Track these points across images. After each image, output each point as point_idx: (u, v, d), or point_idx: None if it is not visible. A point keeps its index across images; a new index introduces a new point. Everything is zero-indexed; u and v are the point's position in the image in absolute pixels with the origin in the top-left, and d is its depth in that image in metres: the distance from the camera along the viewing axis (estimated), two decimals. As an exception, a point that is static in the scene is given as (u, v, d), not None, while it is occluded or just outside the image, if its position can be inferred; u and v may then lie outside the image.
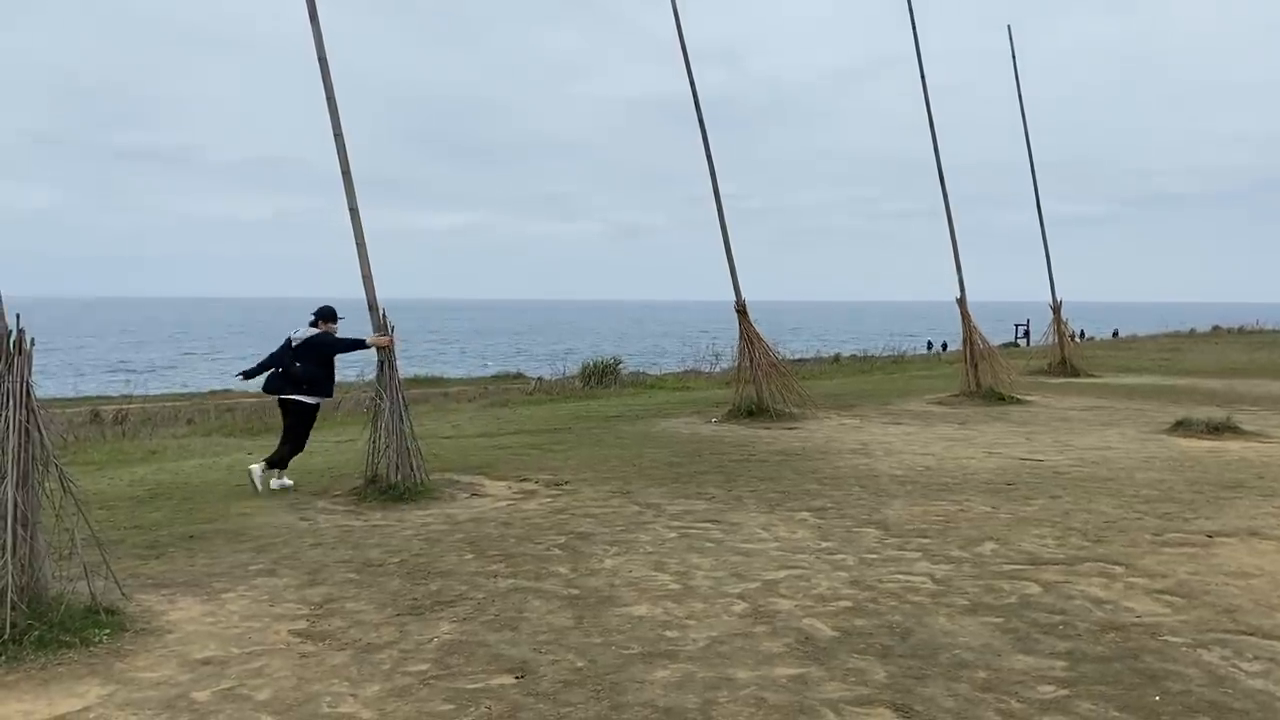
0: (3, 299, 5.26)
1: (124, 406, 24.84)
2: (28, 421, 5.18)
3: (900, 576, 6.17)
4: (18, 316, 5.24)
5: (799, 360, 32.40)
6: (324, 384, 9.44)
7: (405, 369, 9.37)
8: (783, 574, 6.24)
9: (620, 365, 24.81)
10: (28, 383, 5.23)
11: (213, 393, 33.00)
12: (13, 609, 4.87)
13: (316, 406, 9.57)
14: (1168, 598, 5.69)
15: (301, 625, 5.33)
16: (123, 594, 5.59)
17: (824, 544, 7.01)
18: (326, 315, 9.55)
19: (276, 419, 17.23)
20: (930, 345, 48.78)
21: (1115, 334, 49.95)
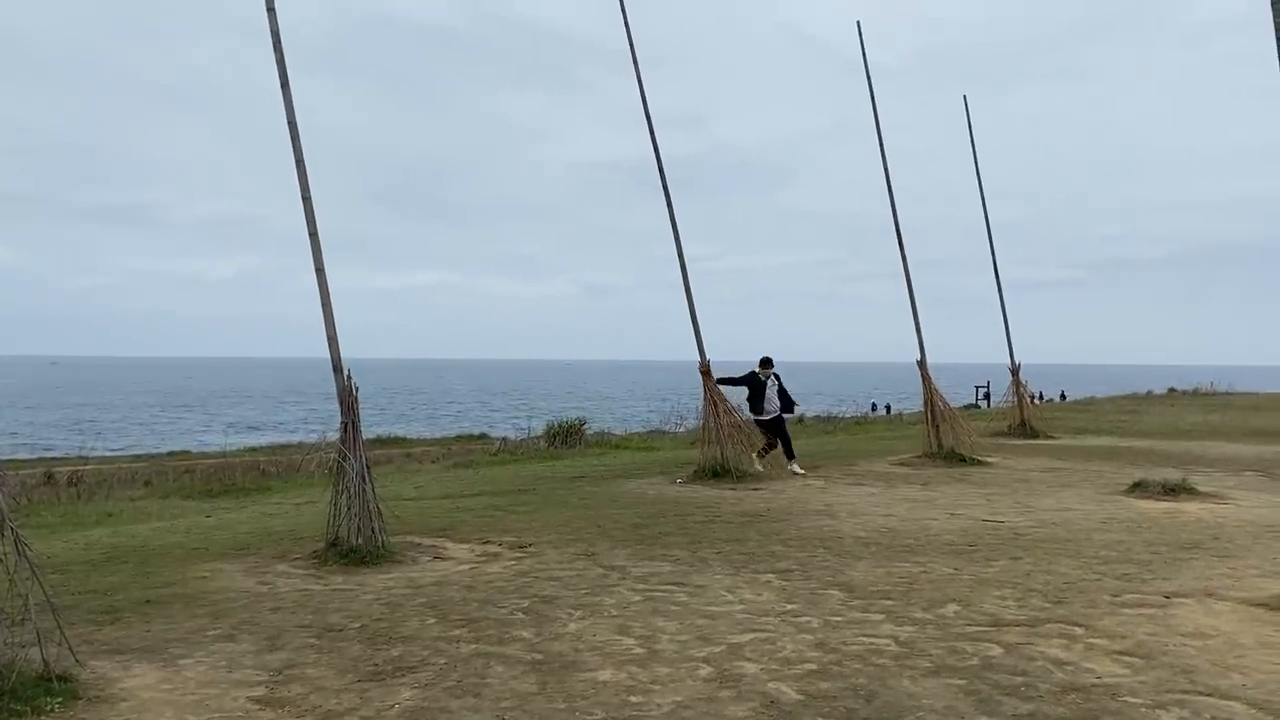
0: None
1: (79, 468, 24.40)
2: (-16, 484, 5.11)
3: (864, 639, 6.19)
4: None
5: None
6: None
7: (367, 429, 9.32)
8: (748, 637, 6.24)
9: (585, 425, 24.81)
10: (-15, 445, 5.18)
11: (171, 454, 32.55)
12: (-38, 677, 4.76)
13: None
14: (1127, 658, 5.75)
15: (260, 692, 5.24)
16: (77, 661, 5.48)
17: (789, 606, 7.02)
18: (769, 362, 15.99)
19: (235, 481, 17.04)
20: (875, 407, 47.96)
21: (1063, 396, 50.52)
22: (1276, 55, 6.89)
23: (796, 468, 15.48)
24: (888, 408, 45.28)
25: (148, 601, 7.23)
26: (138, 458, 31.03)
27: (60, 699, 4.97)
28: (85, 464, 26.25)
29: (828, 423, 32.38)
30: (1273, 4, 6.87)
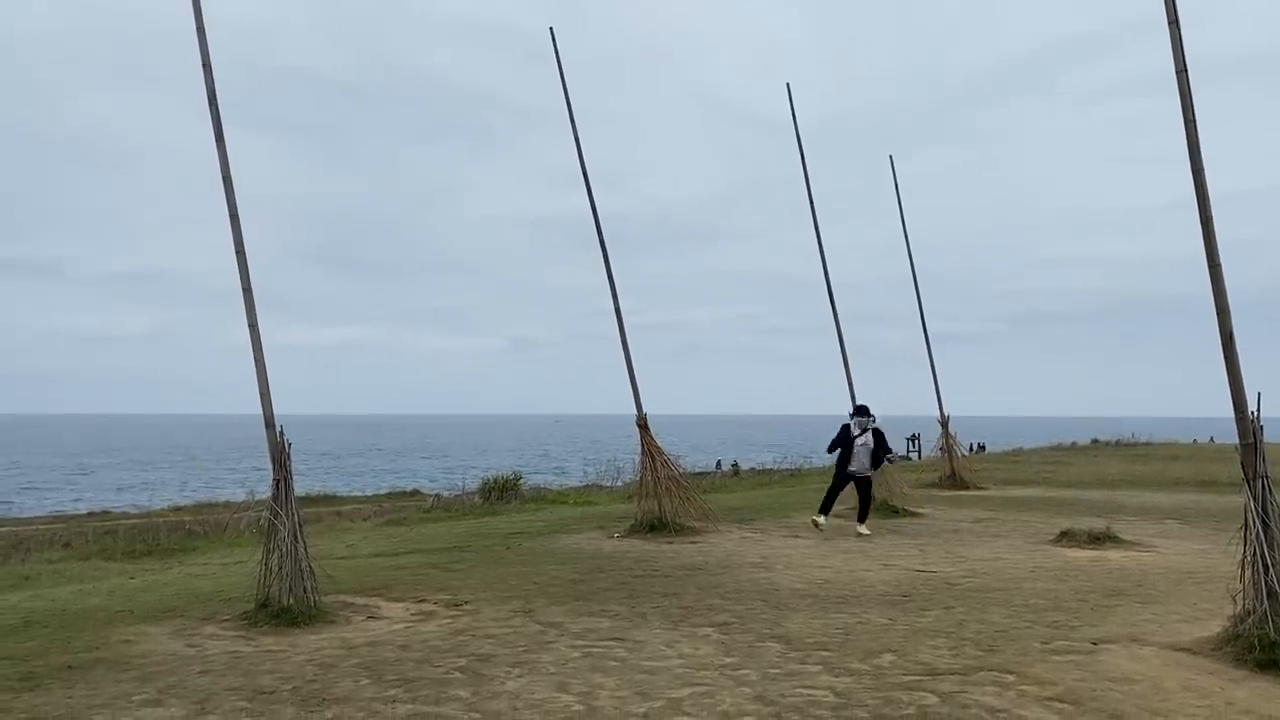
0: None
1: (-8, 529, 23.50)
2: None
3: (803, 690, 6.23)
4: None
5: (700, 474, 32.62)
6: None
7: (297, 487, 9.17)
8: (687, 691, 6.24)
9: (521, 480, 24.61)
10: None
11: (90, 514, 31.50)
12: (-128, 750, 4.56)
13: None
14: (1057, 704, 5.87)
15: (189, 758, 5.09)
16: (-7, 730, 5.28)
17: (727, 659, 7.03)
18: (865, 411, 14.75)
19: (159, 541, 16.56)
20: (719, 464, 43.40)
21: (981, 447, 51.18)
22: (1183, 121, 7.26)
23: (863, 529, 14.44)
24: (734, 465, 42.49)
25: (69, 667, 6.99)
26: (55, 518, 30.00)
27: (-24, 771, 4.78)
28: (1, 525, 25.32)
29: (763, 474, 32.59)
30: (1177, 73, 7.26)
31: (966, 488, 22.98)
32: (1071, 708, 5.80)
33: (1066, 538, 13.26)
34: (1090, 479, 26.11)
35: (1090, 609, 8.73)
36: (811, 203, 19.48)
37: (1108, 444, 46.78)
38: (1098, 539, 12.95)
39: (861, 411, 14.70)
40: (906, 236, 24.53)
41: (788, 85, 19.79)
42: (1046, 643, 7.45)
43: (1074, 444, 46.62)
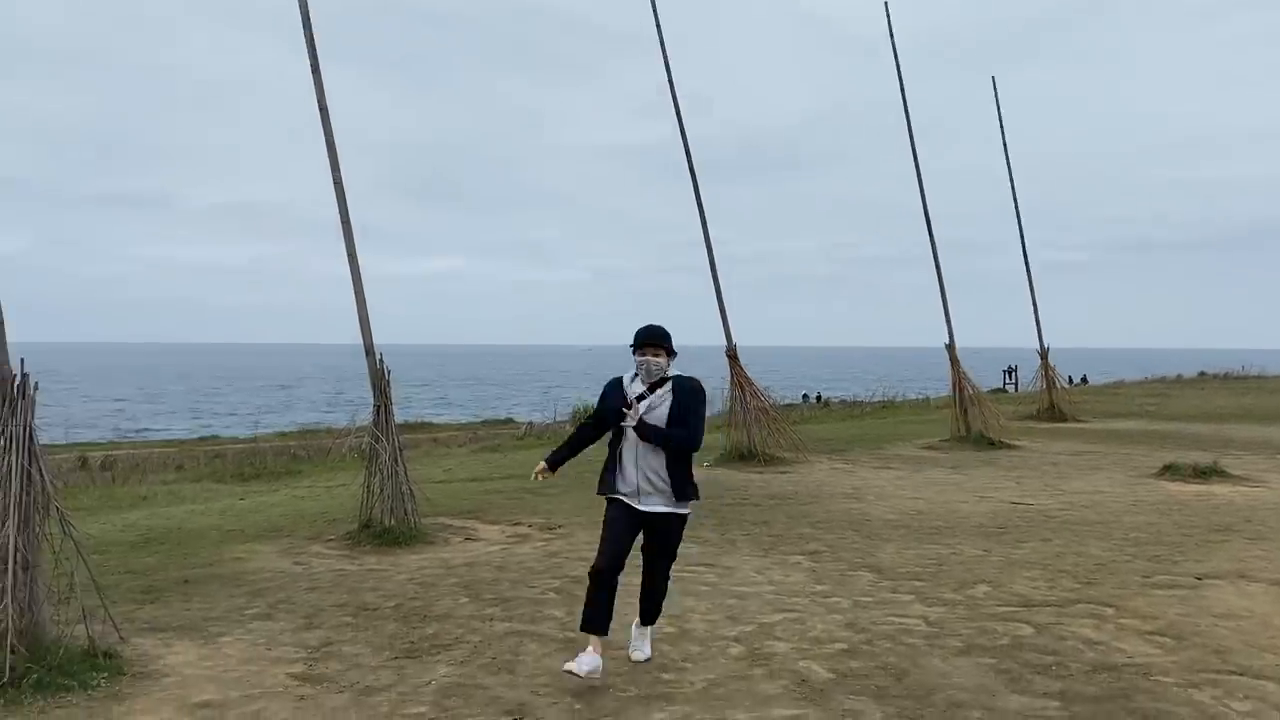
0: (7, 343, 5.32)
1: (111, 452, 24.76)
2: (29, 465, 5.22)
3: (894, 619, 6.22)
4: (21, 361, 5.30)
5: (789, 405, 32.52)
6: None
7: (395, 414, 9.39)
8: (778, 617, 6.28)
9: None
10: (30, 427, 5.27)
11: (201, 439, 32.89)
12: (12, 652, 4.87)
13: None
14: (1159, 639, 5.75)
15: (299, 668, 5.33)
16: (120, 638, 5.59)
17: (818, 587, 7.05)
18: None
19: (266, 465, 17.20)
20: (805, 397, 43.06)
21: (1084, 379, 49.82)
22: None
23: (641, 651, 5.76)
24: (819, 396, 42.31)
25: (186, 581, 7.35)
26: (168, 443, 31.39)
27: (106, 674, 5.09)
28: (118, 448, 26.64)
29: (854, 407, 32.32)
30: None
31: (1065, 420, 22.45)
32: (1173, 642, 5.68)
33: (1170, 471, 12.89)
34: (1196, 412, 25.25)
35: (1195, 544, 8.49)
36: (909, 125, 18.94)
37: (1215, 377, 45.11)
38: (1204, 473, 12.55)
39: (653, 339, 5.46)
40: (1008, 160, 23.73)
41: (885, 1, 19.12)
42: (1147, 577, 7.29)
43: (1179, 377, 45.07)
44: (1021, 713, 4.61)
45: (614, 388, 5.54)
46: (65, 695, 4.83)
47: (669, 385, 5.36)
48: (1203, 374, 47.17)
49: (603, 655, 5.06)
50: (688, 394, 5.33)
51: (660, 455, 5.30)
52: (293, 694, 4.94)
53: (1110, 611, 6.34)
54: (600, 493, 5.54)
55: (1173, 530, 9.12)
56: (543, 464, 5.70)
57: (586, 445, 5.76)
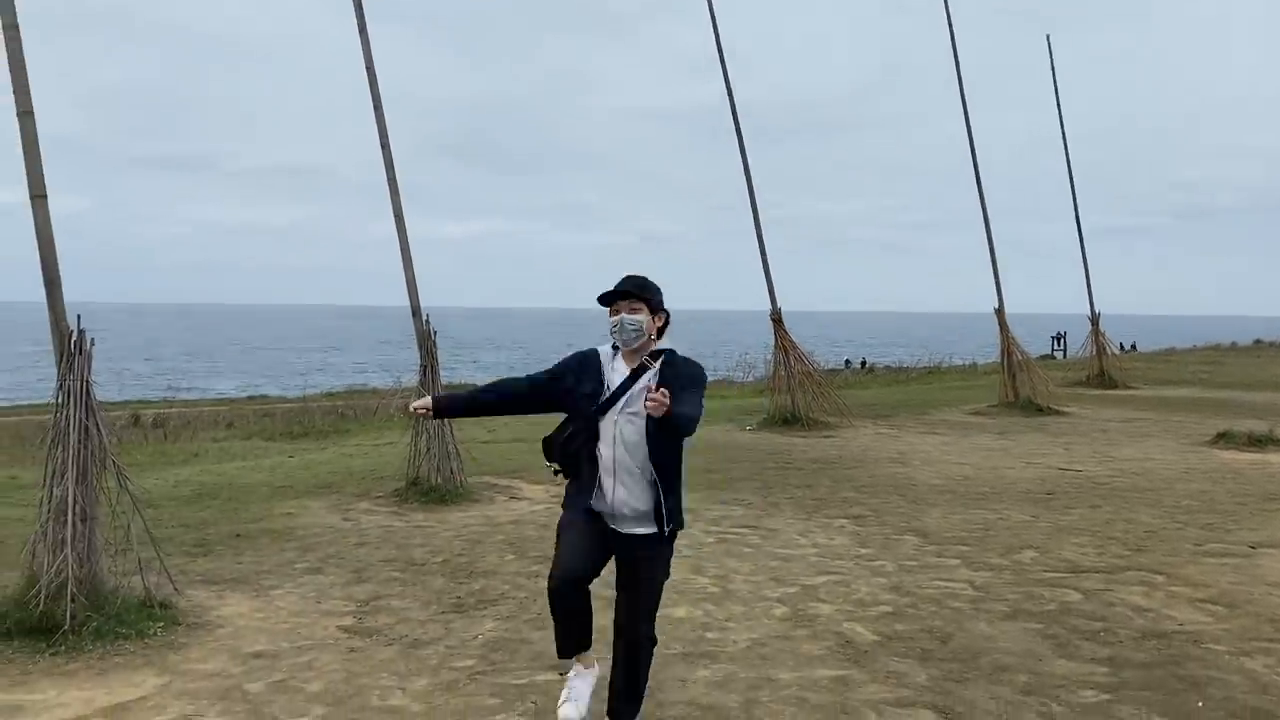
0: (64, 301, 5.42)
1: (164, 410, 25.25)
2: (88, 420, 5.33)
3: (940, 583, 6.19)
4: (78, 318, 5.40)
5: (832, 370, 32.32)
6: None
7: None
8: (821, 579, 6.28)
9: (653, 373, 24.80)
10: (88, 382, 5.38)
11: (250, 398, 33.43)
12: (72, 600, 5.01)
13: None
14: (1210, 607, 5.67)
15: (349, 621, 5.43)
16: (175, 589, 5.73)
17: (862, 550, 7.03)
18: None
19: (314, 423, 17.46)
20: (848, 363, 43.51)
21: (1133, 346, 48.99)
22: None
23: None
24: (863, 362, 42.42)
25: (238, 535, 7.50)
26: (218, 401, 31.93)
27: (162, 624, 5.22)
28: (170, 407, 27.15)
29: (899, 372, 32.05)
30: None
31: (1116, 387, 22.11)
32: (1225, 610, 5.60)
33: (1224, 439, 12.66)
34: (1251, 380, 24.74)
35: (1249, 513, 8.35)
36: (961, 87, 18.60)
37: (1272, 344, 44.14)
38: (1259, 441, 12.31)
39: (631, 289, 3.85)
40: (1062, 123, 23.25)
41: (937, -39, 18.72)
42: (1199, 545, 7.18)
43: (1233, 344, 44.16)
44: (1069, 677, 4.58)
45: (589, 364, 3.87)
46: (123, 643, 4.96)
47: (658, 364, 3.77)
48: (1259, 341, 46.21)
49: (598, 663, 3.96)
50: (686, 378, 3.72)
51: (645, 480, 3.72)
52: (343, 646, 5.03)
53: (1160, 579, 6.25)
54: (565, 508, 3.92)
55: (1226, 499, 8.97)
56: (427, 399, 3.94)
57: (501, 412, 4.31)
